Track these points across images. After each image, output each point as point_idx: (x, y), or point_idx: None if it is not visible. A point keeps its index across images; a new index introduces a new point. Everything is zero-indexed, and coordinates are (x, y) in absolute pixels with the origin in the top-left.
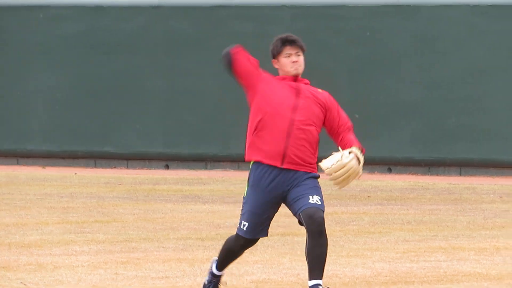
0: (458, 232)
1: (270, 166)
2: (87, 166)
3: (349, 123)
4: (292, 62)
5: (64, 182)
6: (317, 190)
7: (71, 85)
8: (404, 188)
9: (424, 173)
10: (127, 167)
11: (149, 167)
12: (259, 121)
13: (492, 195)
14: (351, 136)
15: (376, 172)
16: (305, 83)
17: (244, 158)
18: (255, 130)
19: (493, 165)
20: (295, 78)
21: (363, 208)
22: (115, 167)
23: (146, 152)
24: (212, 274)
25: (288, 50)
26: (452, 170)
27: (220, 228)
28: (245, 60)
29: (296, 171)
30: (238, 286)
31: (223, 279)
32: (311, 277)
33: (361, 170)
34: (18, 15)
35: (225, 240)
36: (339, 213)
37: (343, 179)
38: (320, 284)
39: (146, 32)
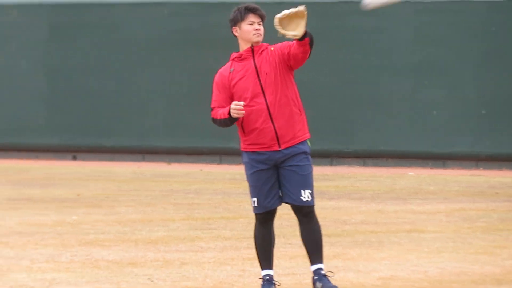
0: None
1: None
2: (212, 162)
3: None
4: (255, 29)
5: (189, 179)
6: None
7: (194, 80)
8: None
9: None
10: None
11: None
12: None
13: None
14: None
15: (504, 168)
16: (263, 50)
17: (368, 154)
18: None
19: None
20: (252, 47)
21: (491, 205)
22: (240, 163)
23: None
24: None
25: (251, 18)
26: None
27: (346, 224)
28: (222, 109)
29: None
30: (365, 283)
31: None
32: (312, 262)
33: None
34: (141, 11)
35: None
36: (467, 209)
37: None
38: (322, 268)
39: (266, 27)
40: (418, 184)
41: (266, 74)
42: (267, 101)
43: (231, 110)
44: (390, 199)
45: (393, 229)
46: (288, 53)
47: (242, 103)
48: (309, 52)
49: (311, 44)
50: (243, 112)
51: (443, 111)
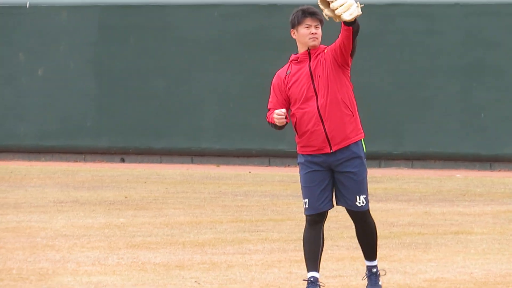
0: None
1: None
2: (261, 164)
3: None
4: (311, 33)
5: (238, 181)
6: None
7: (244, 82)
8: None
9: None
10: None
11: None
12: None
13: None
14: None
15: None
16: (319, 53)
17: (416, 156)
18: None
19: None
20: (309, 50)
21: None
22: (288, 166)
23: None
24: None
25: (308, 21)
26: None
27: (393, 226)
28: (274, 110)
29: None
30: (412, 284)
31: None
32: (365, 258)
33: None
34: (192, 12)
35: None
36: None
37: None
38: (373, 266)
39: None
40: (465, 186)
41: (319, 77)
42: (319, 103)
43: (274, 117)
44: (437, 201)
45: (440, 231)
46: (338, 46)
47: (283, 110)
48: (351, 39)
49: (354, 34)
50: (284, 120)
51: (491, 114)
